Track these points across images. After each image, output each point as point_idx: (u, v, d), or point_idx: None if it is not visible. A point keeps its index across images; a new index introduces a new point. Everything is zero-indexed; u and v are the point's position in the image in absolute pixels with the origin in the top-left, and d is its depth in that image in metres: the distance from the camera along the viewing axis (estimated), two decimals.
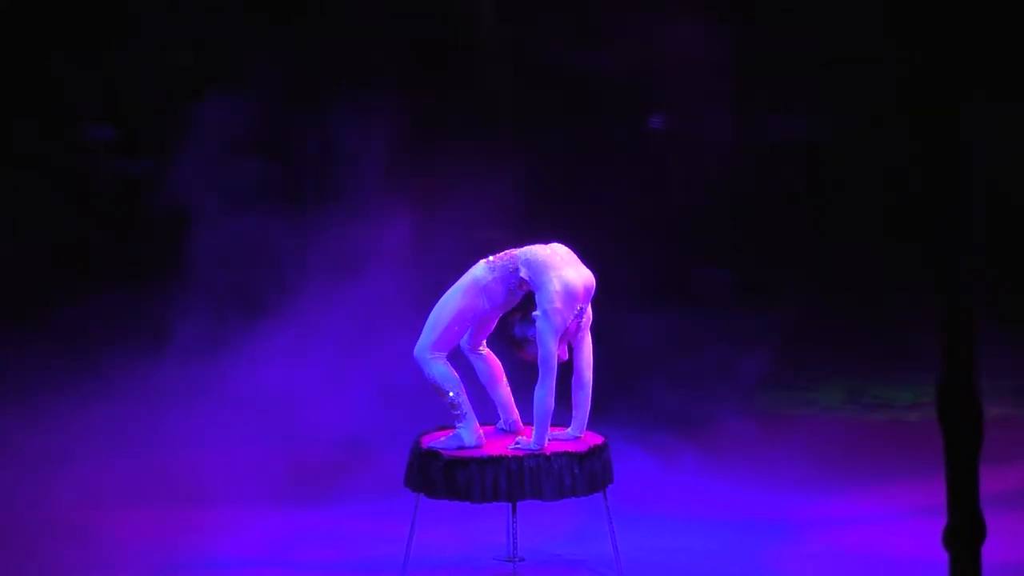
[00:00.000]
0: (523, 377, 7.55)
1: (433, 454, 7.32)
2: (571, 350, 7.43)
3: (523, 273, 7.34)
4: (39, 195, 12.69)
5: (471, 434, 7.43)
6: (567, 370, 7.40)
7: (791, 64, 12.75)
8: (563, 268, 7.31)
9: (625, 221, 12.11)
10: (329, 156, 12.51)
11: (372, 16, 12.05)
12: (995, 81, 11.16)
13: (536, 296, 7.31)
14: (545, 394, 7.22)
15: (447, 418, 7.56)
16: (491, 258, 7.47)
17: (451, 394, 7.42)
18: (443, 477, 7.26)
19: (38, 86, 12.70)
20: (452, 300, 7.47)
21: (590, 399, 7.47)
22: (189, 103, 11.84)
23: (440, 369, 7.46)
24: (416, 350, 7.50)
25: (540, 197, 12.05)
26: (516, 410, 7.69)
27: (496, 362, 7.68)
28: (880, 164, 12.83)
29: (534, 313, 7.30)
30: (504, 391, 7.68)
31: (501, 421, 7.73)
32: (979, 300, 4.75)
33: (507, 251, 7.46)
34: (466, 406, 7.44)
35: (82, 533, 8.41)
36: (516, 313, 7.49)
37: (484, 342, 7.67)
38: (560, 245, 7.48)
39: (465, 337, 7.59)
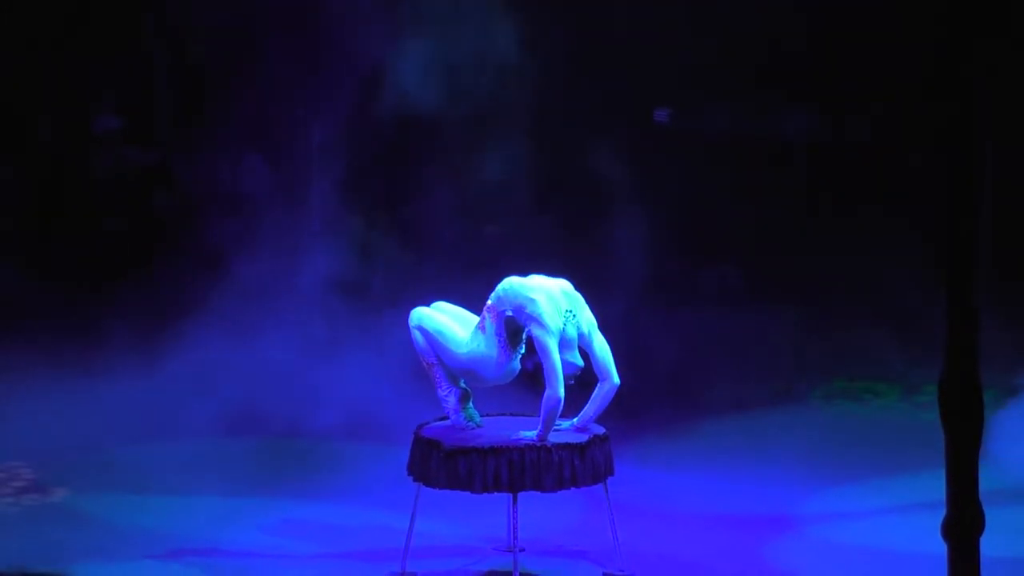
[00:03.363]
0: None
1: (434, 443, 7.35)
2: (587, 357, 7.45)
3: (508, 312, 7.36)
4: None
5: (451, 402, 7.51)
6: (592, 376, 7.42)
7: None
8: (530, 281, 7.39)
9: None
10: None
11: None
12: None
13: (522, 318, 7.32)
14: (552, 394, 7.23)
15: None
16: (481, 322, 7.48)
17: (426, 362, 7.52)
18: (444, 467, 7.28)
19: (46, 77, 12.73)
20: (462, 353, 7.44)
21: (610, 398, 7.46)
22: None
23: (421, 337, 7.53)
24: (411, 314, 7.57)
25: None
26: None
27: None
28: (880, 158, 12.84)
29: (524, 335, 7.34)
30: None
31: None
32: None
33: (484, 312, 7.48)
34: (441, 376, 7.52)
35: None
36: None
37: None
38: (522, 277, 7.51)
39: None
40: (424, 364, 7.58)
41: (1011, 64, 11.39)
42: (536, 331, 7.27)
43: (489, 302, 7.44)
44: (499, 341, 7.38)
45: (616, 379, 7.44)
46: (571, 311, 7.38)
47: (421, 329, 7.51)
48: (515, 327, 7.37)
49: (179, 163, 12.87)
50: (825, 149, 13.28)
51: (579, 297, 7.45)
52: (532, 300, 7.29)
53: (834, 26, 12.53)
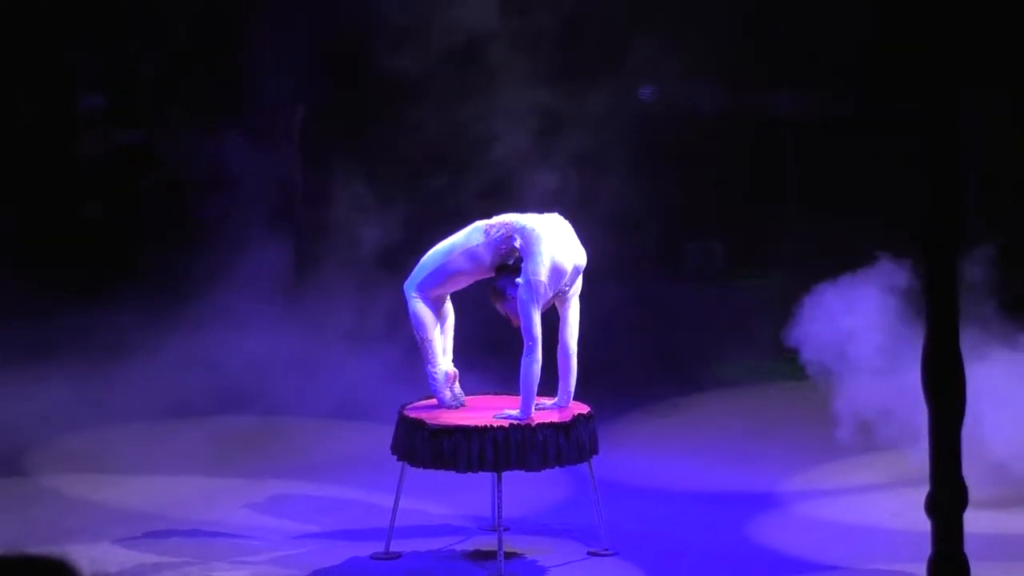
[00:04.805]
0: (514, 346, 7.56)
1: (419, 423, 7.35)
2: (558, 317, 7.47)
3: (517, 243, 7.36)
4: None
5: (439, 375, 7.54)
6: (554, 340, 7.43)
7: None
8: (556, 244, 7.34)
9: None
10: None
11: None
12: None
13: (524, 264, 7.33)
14: (530, 363, 7.25)
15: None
16: (489, 223, 7.48)
17: (419, 336, 7.53)
18: (428, 446, 7.28)
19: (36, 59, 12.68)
20: (440, 253, 7.50)
21: (575, 368, 7.50)
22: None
23: (418, 308, 7.53)
24: (404, 284, 7.59)
25: None
26: (449, 355, 7.70)
27: (450, 312, 7.70)
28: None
29: (518, 279, 7.33)
30: (446, 338, 7.69)
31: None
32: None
33: (505, 217, 7.47)
34: (432, 352, 7.54)
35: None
36: (507, 267, 7.48)
37: (448, 296, 7.69)
38: (559, 217, 7.50)
39: (431, 285, 7.60)
40: (417, 338, 7.58)
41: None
42: (522, 293, 7.27)
43: (513, 220, 7.42)
44: (493, 250, 7.39)
45: (575, 353, 7.46)
46: (566, 288, 7.38)
47: (419, 288, 7.51)
48: (512, 257, 7.39)
49: (162, 142, 12.85)
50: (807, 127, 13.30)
51: (580, 275, 7.45)
52: (538, 265, 7.26)
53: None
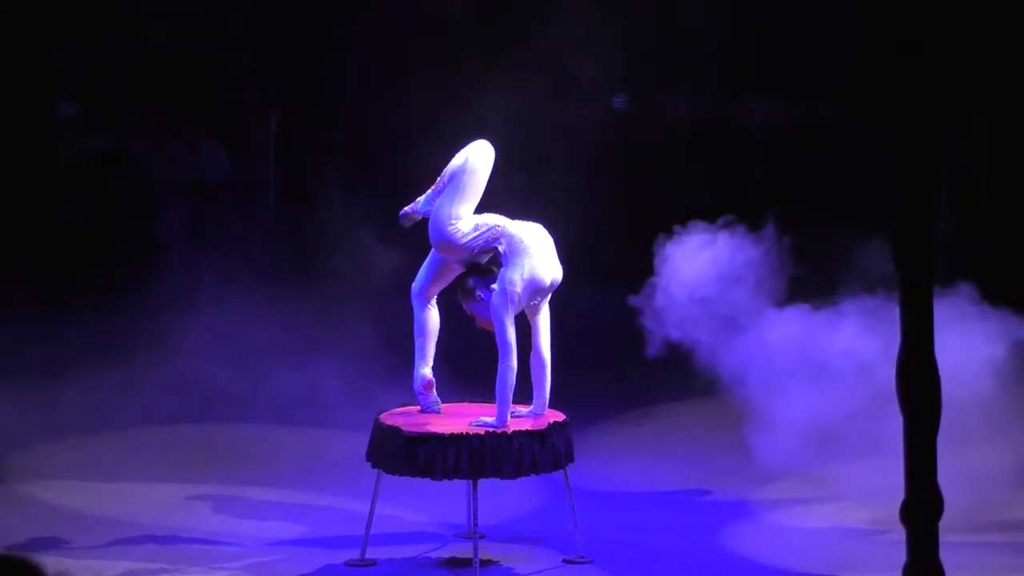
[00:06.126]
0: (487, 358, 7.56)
1: (394, 431, 7.34)
2: (529, 323, 7.49)
3: (501, 247, 7.37)
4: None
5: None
6: (527, 346, 7.44)
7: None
8: (538, 258, 7.36)
9: None
10: None
11: None
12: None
13: (502, 270, 7.34)
14: (505, 371, 7.27)
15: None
16: (476, 218, 7.48)
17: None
18: (404, 453, 7.28)
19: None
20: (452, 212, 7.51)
21: (549, 375, 7.51)
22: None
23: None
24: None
25: None
26: (430, 363, 7.71)
27: (436, 317, 7.70)
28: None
29: (493, 285, 7.34)
30: (430, 344, 7.70)
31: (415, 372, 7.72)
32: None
33: (491, 218, 7.47)
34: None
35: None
36: (481, 267, 7.50)
37: (435, 295, 7.70)
38: (542, 229, 7.50)
39: (420, 280, 7.64)
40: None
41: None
42: (496, 300, 7.28)
43: (501, 224, 7.42)
44: (474, 243, 7.39)
45: (549, 361, 7.49)
46: (539, 301, 7.41)
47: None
48: (487, 257, 7.43)
49: (137, 149, 12.82)
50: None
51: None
52: (517, 276, 7.28)
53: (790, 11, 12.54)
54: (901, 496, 4.80)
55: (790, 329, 8.24)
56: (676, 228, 8.26)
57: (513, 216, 7.51)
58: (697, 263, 8.23)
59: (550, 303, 7.53)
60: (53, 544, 7.71)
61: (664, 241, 8.28)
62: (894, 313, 4.85)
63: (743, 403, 8.25)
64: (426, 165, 7.91)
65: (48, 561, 3.68)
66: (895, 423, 4.84)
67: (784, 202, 10.92)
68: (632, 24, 12.14)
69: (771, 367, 8.21)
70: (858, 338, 8.10)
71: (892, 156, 4.73)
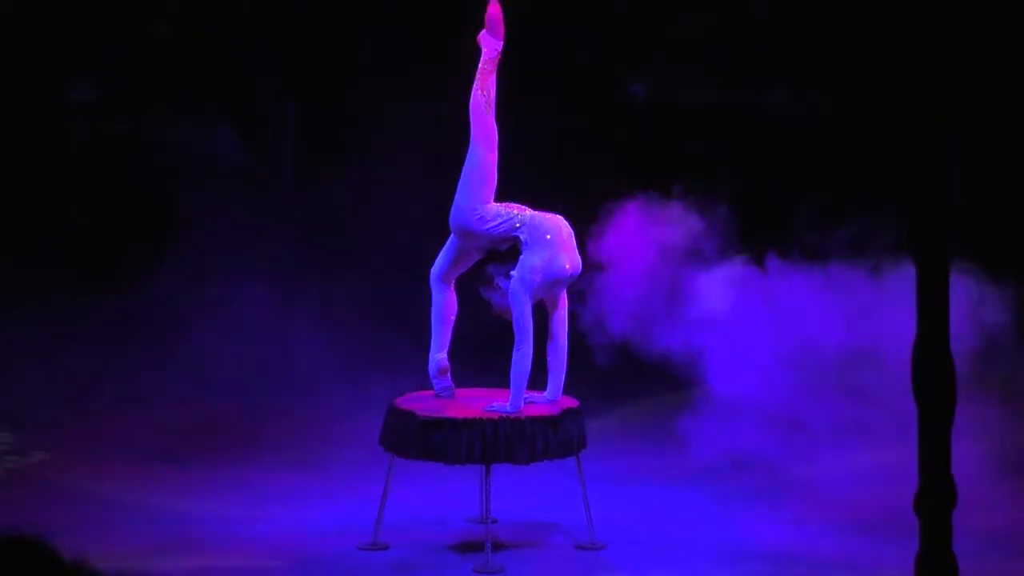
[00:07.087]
0: (505, 341, 7.56)
1: (408, 415, 7.35)
2: (547, 311, 7.49)
3: (523, 235, 7.37)
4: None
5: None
6: (543, 333, 7.45)
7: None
8: (559, 250, 7.36)
9: None
10: None
11: None
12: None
13: (521, 257, 7.34)
14: (521, 357, 7.27)
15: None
16: (499, 205, 7.48)
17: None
18: (418, 438, 7.29)
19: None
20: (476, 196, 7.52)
21: (566, 362, 7.52)
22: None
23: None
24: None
25: None
26: (446, 349, 7.72)
27: (453, 302, 7.71)
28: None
29: (512, 272, 7.34)
30: (446, 330, 7.70)
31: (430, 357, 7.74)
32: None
33: (515, 206, 7.47)
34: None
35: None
36: (500, 254, 7.52)
37: (454, 280, 7.70)
38: (565, 222, 7.51)
39: (439, 265, 7.65)
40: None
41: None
42: (515, 287, 7.29)
43: (525, 212, 7.44)
44: (495, 230, 7.40)
45: (566, 347, 7.50)
46: (557, 289, 7.41)
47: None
48: (508, 244, 7.41)
49: (153, 132, 12.82)
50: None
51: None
52: (537, 264, 7.29)
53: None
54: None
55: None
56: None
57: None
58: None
59: (568, 292, 7.54)
60: (69, 526, 7.72)
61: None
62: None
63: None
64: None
65: (64, 543, 3.66)
66: None
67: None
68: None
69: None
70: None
71: (891, 156, 4.72)
